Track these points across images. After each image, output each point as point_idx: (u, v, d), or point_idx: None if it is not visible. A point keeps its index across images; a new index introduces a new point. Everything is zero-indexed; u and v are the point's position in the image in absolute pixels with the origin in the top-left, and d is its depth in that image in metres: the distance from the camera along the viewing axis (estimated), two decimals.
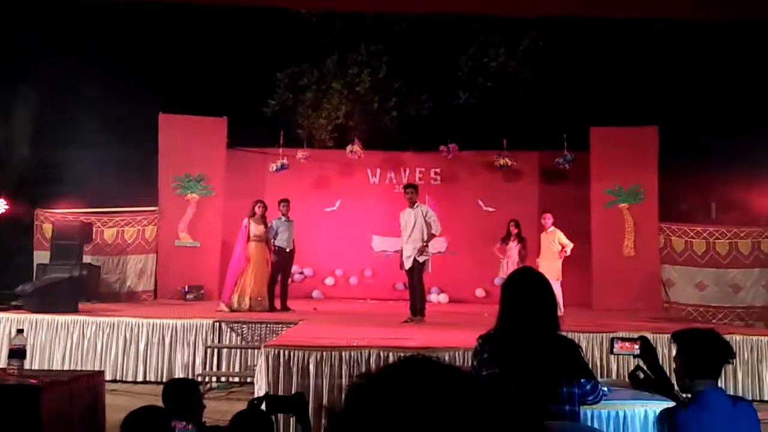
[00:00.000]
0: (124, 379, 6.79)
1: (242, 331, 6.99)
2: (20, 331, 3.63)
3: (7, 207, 9.93)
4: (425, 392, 0.70)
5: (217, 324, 7.00)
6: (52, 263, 9.05)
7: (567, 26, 9.80)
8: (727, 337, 2.54)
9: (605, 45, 10.05)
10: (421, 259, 7.30)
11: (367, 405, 0.71)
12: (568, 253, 7.90)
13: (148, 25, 9.94)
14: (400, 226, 7.58)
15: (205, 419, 5.33)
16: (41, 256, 9.72)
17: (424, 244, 7.31)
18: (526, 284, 2.55)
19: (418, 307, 7.31)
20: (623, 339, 2.91)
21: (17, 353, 3.42)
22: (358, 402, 0.72)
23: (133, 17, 9.60)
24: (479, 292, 10.81)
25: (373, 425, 0.68)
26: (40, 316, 7.01)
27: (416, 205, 7.50)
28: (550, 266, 7.76)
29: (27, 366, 3.80)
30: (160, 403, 3.09)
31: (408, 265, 7.35)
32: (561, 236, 8.10)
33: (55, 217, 10.00)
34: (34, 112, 11.20)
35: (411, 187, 7.65)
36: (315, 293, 11.04)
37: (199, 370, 6.74)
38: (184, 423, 2.74)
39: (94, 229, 9.92)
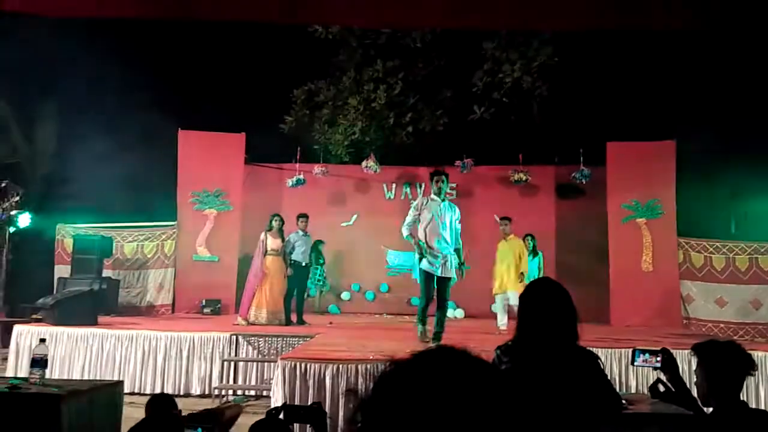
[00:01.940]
0: (142, 391, 6.82)
1: (258, 345, 7.02)
2: (42, 341, 3.68)
3: (29, 221, 10.10)
4: (452, 380, 0.71)
5: (234, 337, 7.03)
6: (73, 277, 9.18)
7: (582, 42, 9.82)
8: (750, 354, 2.51)
9: (621, 60, 10.05)
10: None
11: (395, 390, 0.72)
12: (522, 280, 7.43)
13: (167, 42, 10.13)
14: (414, 214, 6.14)
15: None
16: (62, 270, 9.86)
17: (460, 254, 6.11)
18: (545, 294, 2.54)
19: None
20: (645, 351, 2.88)
21: (39, 362, 3.47)
22: (386, 387, 0.73)
23: (154, 35, 9.79)
24: (494, 307, 10.73)
25: (400, 410, 0.70)
26: (60, 329, 7.10)
27: (446, 198, 6.22)
28: (509, 275, 7.46)
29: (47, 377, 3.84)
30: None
31: (452, 272, 6.07)
32: (522, 248, 7.91)
33: (76, 232, 10.14)
34: (56, 128, 11.44)
35: (443, 174, 6.20)
36: (331, 308, 11.06)
37: (215, 382, 6.76)
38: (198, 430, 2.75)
39: (114, 244, 10.05)
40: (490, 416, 0.69)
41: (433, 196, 6.21)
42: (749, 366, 2.39)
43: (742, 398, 2.42)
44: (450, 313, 10.38)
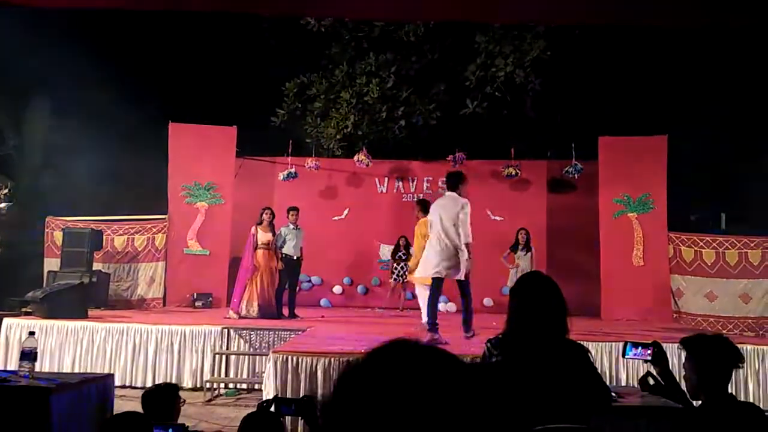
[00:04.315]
0: (133, 384, 6.80)
1: (250, 338, 7.01)
2: (32, 334, 3.65)
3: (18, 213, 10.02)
4: (410, 375, 0.70)
5: (226, 331, 7.01)
6: (63, 270, 9.11)
7: (575, 36, 9.83)
8: (738, 347, 2.52)
9: (614, 54, 10.07)
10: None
11: (353, 391, 0.71)
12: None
13: (158, 35, 10.06)
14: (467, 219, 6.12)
15: (213, 424, 5.34)
16: (52, 263, 9.78)
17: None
18: (535, 288, 2.55)
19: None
20: (636, 344, 2.91)
21: (29, 355, 3.45)
22: (345, 389, 0.72)
23: (144, 27, 9.72)
24: (487, 301, 10.78)
25: (361, 411, 0.68)
26: (50, 322, 7.06)
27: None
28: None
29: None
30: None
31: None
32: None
33: (65, 225, 10.07)
34: (45, 121, 11.34)
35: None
36: (323, 301, 11.06)
37: (207, 376, 6.76)
38: (170, 430, 2.73)
39: (104, 237, 9.98)
40: (451, 410, 0.68)
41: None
42: (737, 359, 2.41)
43: (730, 391, 2.44)
44: (441, 306, 10.42)
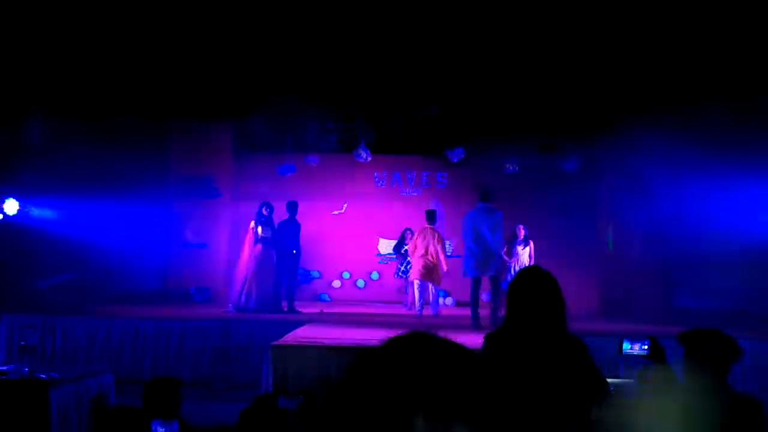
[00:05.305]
0: (131, 379, 6.78)
1: (249, 332, 7.02)
2: (31, 328, 3.66)
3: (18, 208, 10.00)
4: (425, 365, 0.70)
5: (224, 324, 7.02)
6: (63, 264, 9.09)
7: (572, 30, 9.76)
8: (736, 341, 2.53)
9: (611, 48, 9.98)
10: None
11: (368, 376, 0.71)
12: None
13: (158, 28, 10.00)
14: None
15: (210, 418, 5.35)
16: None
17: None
18: (534, 283, 2.56)
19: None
20: (632, 339, 2.92)
21: (28, 349, 3.46)
22: (359, 374, 0.72)
23: (145, 20, 9.66)
24: (485, 296, 10.79)
25: (372, 396, 0.68)
26: (50, 316, 7.06)
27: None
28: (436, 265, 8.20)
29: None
30: None
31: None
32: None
33: None
34: (46, 113, 11.30)
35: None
36: (322, 296, 11.07)
37: (206, 370, 6.77)
38: (166, 426, 2.73)
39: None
40: (461, 402, 0.68)
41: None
42: (735, 352, 2.42)
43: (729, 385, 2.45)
44: (440, 301, 10.44)
